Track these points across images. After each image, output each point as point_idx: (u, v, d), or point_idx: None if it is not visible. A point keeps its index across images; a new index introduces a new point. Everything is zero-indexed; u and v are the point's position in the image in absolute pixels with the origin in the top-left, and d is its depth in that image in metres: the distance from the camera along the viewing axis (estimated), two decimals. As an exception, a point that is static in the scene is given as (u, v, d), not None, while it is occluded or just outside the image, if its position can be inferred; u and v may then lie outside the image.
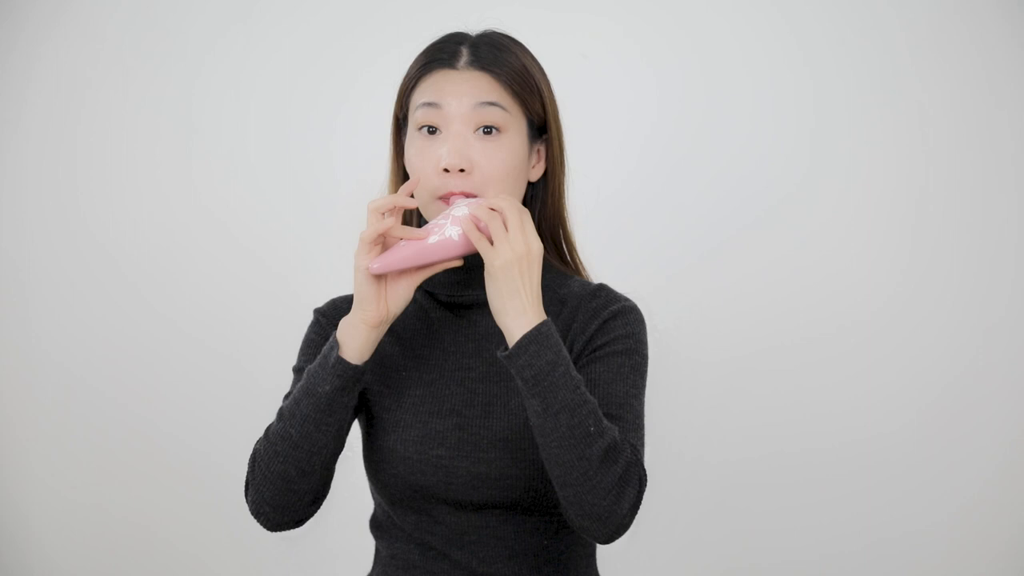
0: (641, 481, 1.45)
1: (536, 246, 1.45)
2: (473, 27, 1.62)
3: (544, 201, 1.62)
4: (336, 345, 1.48)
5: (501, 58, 1.56)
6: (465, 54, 1.55)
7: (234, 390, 2.66)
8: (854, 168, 2.42)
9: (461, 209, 1.47)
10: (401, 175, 1.64)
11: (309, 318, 1.67)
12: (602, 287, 1.61)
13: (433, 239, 1.46)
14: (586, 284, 1.62)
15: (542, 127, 1.60)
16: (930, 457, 2.42)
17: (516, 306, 1.43)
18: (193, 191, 2.65)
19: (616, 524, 1.43)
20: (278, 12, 2.61)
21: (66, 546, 2.74)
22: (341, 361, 1.47)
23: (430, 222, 1.49)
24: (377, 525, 1.64)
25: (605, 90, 2.49)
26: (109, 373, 2.69)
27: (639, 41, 2.49)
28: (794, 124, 2.44)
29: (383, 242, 1.48)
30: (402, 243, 1.47)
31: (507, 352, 1.43)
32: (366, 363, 1.49)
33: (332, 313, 1.63)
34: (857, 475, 2.44)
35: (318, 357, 1.50)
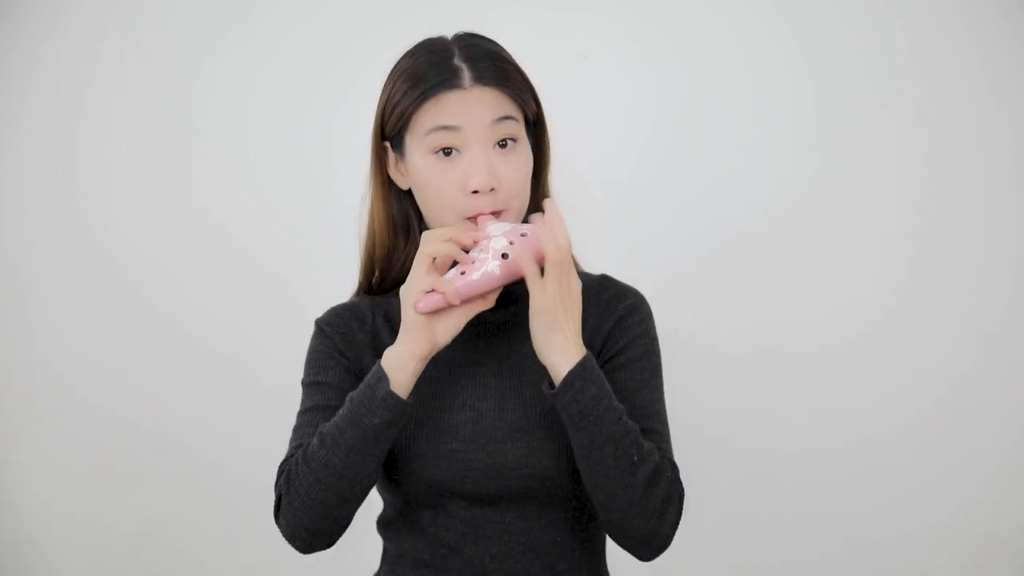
0: (680, 497, 1.52)
1: (576, 286, 1.47)
2: (446, 30, 1.62)
3: (535, 190, 1.64)
4: (385, 378, 1.47)
5: (497, 64, 1.56)
6: (466, 70, 1.54)
7: (233, 390, 2.65)
8: (854, 168, 2.42)
9: (499, 240, 1.48)
10: (388, 192, 1.63)
11: (309, 319, 1.67)
12: (606, 277, 1.64)
13: (476, 276, 1.47)
14: (589, 275, 1.63)
15: (533, 121, 1.62)
16: (931, 457, 2.41)
17: (559, 342, 1.45)
18: (193, 191, 2.65)
19: (660, 544, 1.51)
20: (278, 12, 2.61)
21: (65, 546, 2.74)
22: (392, 396, 1.46)
23: (469, 254, 1.49)
24: (386, 524, 1.64)
25: (605, 90, 2.49)
26: (108, 373, 2.69)
27: (639, 41, 2.49)
28: (794, 124, 2.44)
29: (439, 268, 1.49)
30: (445, 277, 1.47)
31: (553, 390, 1.46)
32: (412, 395, 1.50)
33: (334, 321, 1.63)
34: (857, 475, 2.44)
35: (361, 386, 1.49)
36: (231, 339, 2.65)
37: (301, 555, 2.65)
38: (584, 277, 1.63)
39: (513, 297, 1.61)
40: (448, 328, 1.49)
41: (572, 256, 1.68)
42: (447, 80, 1.54)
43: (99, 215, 2.67)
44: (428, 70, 1.55)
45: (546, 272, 1.45)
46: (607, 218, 2.45)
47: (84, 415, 2.70)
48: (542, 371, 1.57)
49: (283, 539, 2.64)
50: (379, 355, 1.57)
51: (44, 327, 2.70)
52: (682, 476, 2.50)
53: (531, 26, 2.48)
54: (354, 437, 1.46)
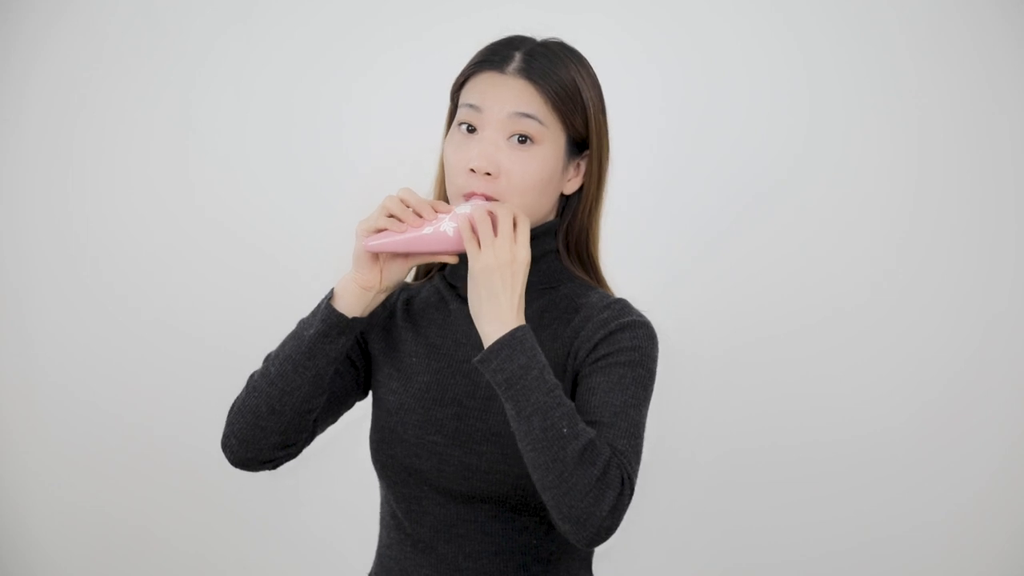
0: (624, 483, 1.42)
1: (522, 255, 1.46)
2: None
3: (574, 214, 1.62)
4: (331, 295, 1.53)
5: (550, 70, 1.55)
6: (517, 60, 1.55)
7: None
8: (854, 167, 2.42)
9: (465, 208, 1.50)
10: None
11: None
12: (620, 301, 1.59)
13: (428, 230, 1.50)
14: (605, 296, 1.60)
15: (584, 142, 1.59)
16: (931, 454, 2.42)
17: (492, 311, 1.44)
18: (193, 191, 2.65)
19: (595, 527, 1.41)
20: (278, 12, 2.62)
21: (66, 546, 2.74)
22: (329, 307, 1.51)
23: (436, 213, 1.52)
24: (380, 514, 1.65)
25: (605, 90, 2.49)
26: (107, 372, 2.69)
27: (639, 40, 2.49)
28: (794, 124, 2.44)
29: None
30: (402, 225, 1.51)
31: (479, 358, 1.44)
32: (357, 320, 1.52)
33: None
34: (858, 472, 2.44)
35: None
36: (230, 338, 2.65)
37: (300, 554, 2.67)
38: (599, 297, 1.60)
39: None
40: (392, 273, 1.53)
41: (604, 283, 1.66)
42: (494, 62, 1.56)
43: (98, 215, 2.68)
44: (485, 51, 1.58)
45: (482, 237, 1.45)
46: (605, 217, 2.45)
47: (84, 414, 2.70)
48: None
49: (283, 538, 2.66)
50: (390, 333, 1.63)
51: (44, 326, 2.70)
52: (680, 476, 2.51)
53: (531, 26, 2.48)
54: (291, 347, 1.53)
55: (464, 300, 1.61)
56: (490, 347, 1.43)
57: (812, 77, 2.43)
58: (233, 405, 1.60)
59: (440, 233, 1.49)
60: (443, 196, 1.62)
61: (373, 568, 1.66)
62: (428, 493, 1.56)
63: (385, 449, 1.58)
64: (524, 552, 1.56)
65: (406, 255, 1.52)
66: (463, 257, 1.52)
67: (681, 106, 2.47)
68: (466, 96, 1.56)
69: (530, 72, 1.55)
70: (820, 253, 2.44)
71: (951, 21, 2.38)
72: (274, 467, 1.60)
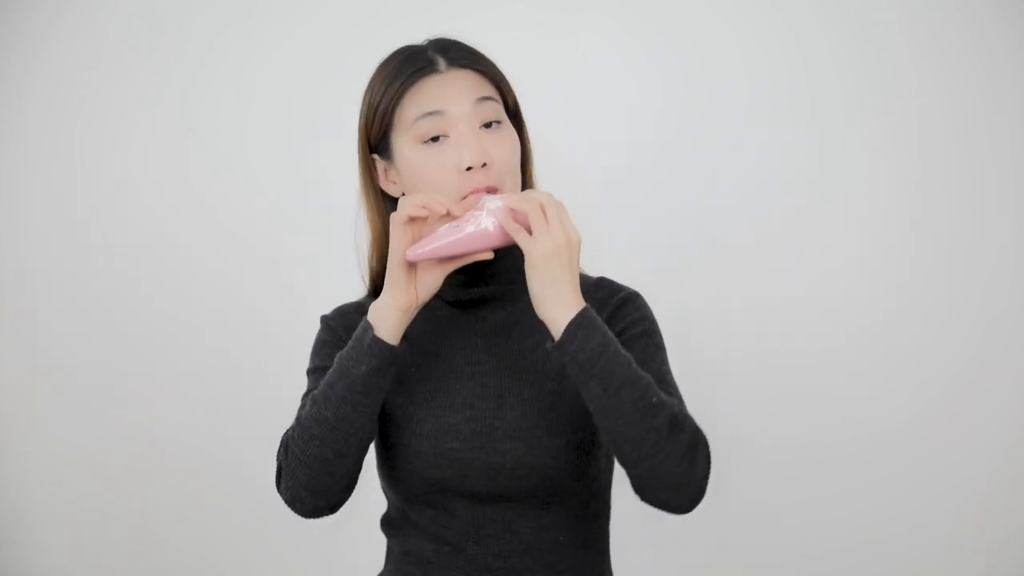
0: (707, 446, 1.47)
1: (576, 237, 1.46)
2: (446, 31, 1.63)
3: (528, 179, 1.65)
4: (369, 327, 1.48)
5: (473, 53, 1.59)
6: (440, 58, 1.57)
7: (234, 390, 2.66)
8: (854, 167, 2.42)
9: (495, 201, 1.48)
10: (381, 204, 1.64)
11: (310, 317, 1.68)
12: (603, 279, 1.62)
13: (470, 229, 1.47)
14: (586, 277, 1.63)
15: (512, 111, 1.62)
16: (931, 454, 2.42)
17: (556, 295, 1.43)
18: (193, 192, 2.65)
19: (695, 490, 1.46)
20: (278, 12, 2.62)
21: (66, 546, 2.74)
22: (377, 341, 1.47)
23: (465, 214, 1.50)
24: (389, 523, 1.64)
25: (605, 90, 2.49)
26: (107, 372, 2.69)
27: (639, 40, 2.49)
28: (794, 124, 2.44)
29: (416, 231, 1.49)
30: (438, 231, 1.48)
31: (556, 343, 1.43)
32: (400, 346, 1.50)
33: (339, 319, 1.64)
34: (858, 472, 2.44)
35: (350, 342, 1.50)
36: (230, 338, 2.65)
37: (302, 555, 2.67)
38: (581, 279, 1.62)
39: (512, 296, 1.61)
40: (427, 284, 1.50)
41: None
42: (423, 68, 1.55)
43: (98, 215, 2.68)
44: (403, 65, 1.57)
45: (535, 225, 1.43)
46: (604, 215, 2.45)
47: (83, 414, 2.70)
48: (541, 370, 1.57)
49: (284, 538, 2.65)
50: None
51: (44, 326, 2.70)
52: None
53: (531, 26, 2.49)
54: (344, 388, 1.47)
55: (451, 304, 1.61)
56: (566, 331, 1.42)
57: (812, 77, 2.43)
58: (289, 458, 1.52)
59: (482, 231, 1.47)
60: (383, 257, 1.59)
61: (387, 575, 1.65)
62: (452, 499, 1.56)
63: (402, 465, 1.57)
64: (551, 548, 1.57)
65: (442, 262, 1.49)
66: (498, 252, 1.51)
67: (681, 106, 2.47)
68: (415, 109, 1.54)
69: (462, 61, 1.57)
70: (819, 253, 2.44)
71: (951, 21, 2.38)
72: (336, 511, 1.57)
